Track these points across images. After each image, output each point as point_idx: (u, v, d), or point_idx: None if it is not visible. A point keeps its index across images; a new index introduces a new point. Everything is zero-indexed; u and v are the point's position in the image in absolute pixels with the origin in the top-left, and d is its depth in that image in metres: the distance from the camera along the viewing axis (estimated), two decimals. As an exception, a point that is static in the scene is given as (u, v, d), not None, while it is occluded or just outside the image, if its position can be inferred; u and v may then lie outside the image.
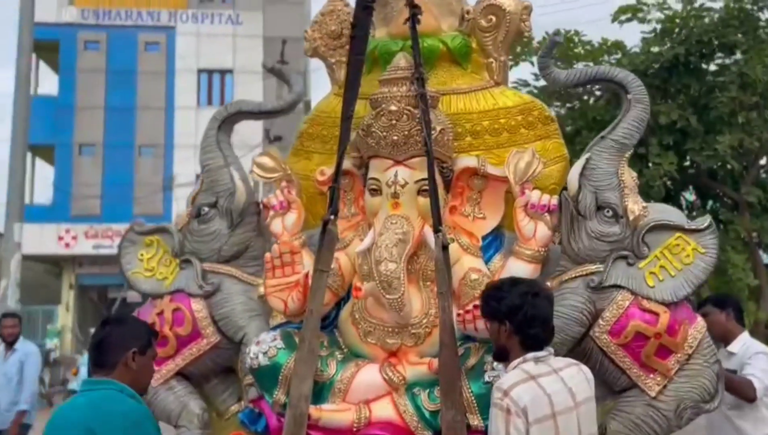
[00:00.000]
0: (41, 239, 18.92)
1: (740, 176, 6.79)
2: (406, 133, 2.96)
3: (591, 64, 6.93)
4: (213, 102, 22.15)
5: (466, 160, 3.16)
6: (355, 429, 2.79)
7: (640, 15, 7.94)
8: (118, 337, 2.21)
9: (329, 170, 3.29)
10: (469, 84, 3.33)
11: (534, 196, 3.03)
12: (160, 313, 3.25)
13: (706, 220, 2.93)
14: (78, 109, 21.56)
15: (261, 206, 3.38)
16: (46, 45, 20.63)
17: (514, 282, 2.45)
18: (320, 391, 2.87)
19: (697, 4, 7.54)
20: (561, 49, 8.00)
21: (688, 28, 7.20)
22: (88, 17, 21.96)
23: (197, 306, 3.24)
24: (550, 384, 2.13)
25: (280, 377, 2.88)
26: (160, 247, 3.39)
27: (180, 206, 3.47)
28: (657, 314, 2.84)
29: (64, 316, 21.10)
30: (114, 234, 20.11)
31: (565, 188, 3.15)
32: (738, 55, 6.95)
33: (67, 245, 20.58)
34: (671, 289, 2.87)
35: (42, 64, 22.57)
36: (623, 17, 8.00)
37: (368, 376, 2.89)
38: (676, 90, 7.04)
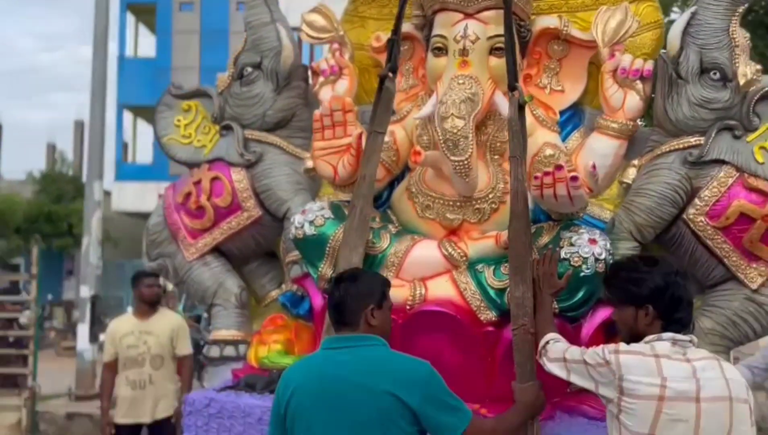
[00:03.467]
0: (143, 197, 19.27)
1: None
2: None
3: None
4: (303, 59, 22.28)
5: (547, 21, 2.78)
6: (408, 307, 2.49)
7: None
8: (355, 295, 2.07)
9: (386, 36, 2.93)
10: (547, -70, 2.89)
11: (626, 59, 2.64)
12: (198, 182, 2.98)
13: None
14: (173, 70, 21.60)
15: (309, 71, 3.04)
16: (144, 8, 21.57)
17: (650, 261, 2.06)
18: (371, 265, 2.56)
19: None
20: None
21: None
22: (182, -22, 22.52)
23: (237, 176, 2.95)
24: (672, 368, 1.81)
25: (327, 249, 2.60)
26: (198, 113, 3.10)
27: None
28: (766, 194, 2.44)
29: (169, 269, 22.36)
30: (210, 192, 21.05)
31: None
32: None
33: (167, 203, 21.57)
34: (785, 166, 2.46)
35: (141, 27, 23.22)
36: None
37: (425, 251, 2.58)
38: None
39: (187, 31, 22.02)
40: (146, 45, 22.97)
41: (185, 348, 4.08)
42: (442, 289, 2.51)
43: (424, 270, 2.56)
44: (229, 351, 2.95)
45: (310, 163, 2.95)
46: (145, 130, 23.26)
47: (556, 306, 2.37)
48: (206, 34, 22.25)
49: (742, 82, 2.49)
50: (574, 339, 2.43)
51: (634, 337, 1.95)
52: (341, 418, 1.90)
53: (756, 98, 2.49)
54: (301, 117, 3.02)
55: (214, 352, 2.96)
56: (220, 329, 2.94)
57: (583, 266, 2.33)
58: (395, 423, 1.87)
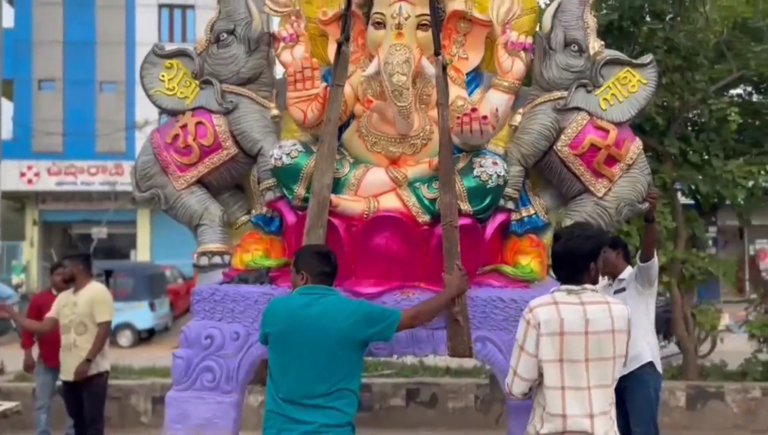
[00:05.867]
0: (3, 175, 18.27)
1: (665, 130, 7.23)
2: None
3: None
4: (174, 38, 21.44)
5: (456, 4, 3.68)
6: (365, 216, 3.37)
7: None
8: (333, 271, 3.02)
9: (331, 11, 3.74)
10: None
11: (513, 35, 3.62)
12: (184, 126, 3.64)
13: (648, 57, 3.62)
14: (35, 44, 20.79)
15: (272, 38, 3.77)
16: (-2, -25, 19.93)
17: (558, 232, 2.91)
18: (336, 186, 3.40)
19: None
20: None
21: None
22: (43, -53, 20.91)
23: (218, 121, 3.64)
24: (568, 311, 2.56)
25: (301, 175, 3.39)
26: (179, 70, 3.73)
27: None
28: (607, 131, 3.54)
29: (29, 251, 20.85)
30: (77, 171, 20.04)
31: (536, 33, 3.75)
32: (665, 22, 7.27)
33: (29, 181, 20.08)
34: (619, 112, 3.58)
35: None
36: None
37: (376, 175, 3.46)
38: None
39: (49, 3, 20.92)
40: (4, 16, 21.52)
41: (101, 315, 5.17)
42: (390, 201, 3.40)
43: (376, 189, 3.43)
44: (216, 260, 3.64)
45: (275, 111, 3.73)
46: (3, 105, 22.16)
47: (471, 209, 3.35)
48: (70, 7, 21.29)
49: (592, 53, 3.57)
50: (481, 234, 3.45)
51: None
52: (304, 340, 2.77)
53: (601, 64, 3.58)
54: (265, 75, 3.75)
55: (203, 261, 3.64)
56: (207, 243, 3.64)
57: (489, 181, 3.31)
58: (347, 341, 2.79)
